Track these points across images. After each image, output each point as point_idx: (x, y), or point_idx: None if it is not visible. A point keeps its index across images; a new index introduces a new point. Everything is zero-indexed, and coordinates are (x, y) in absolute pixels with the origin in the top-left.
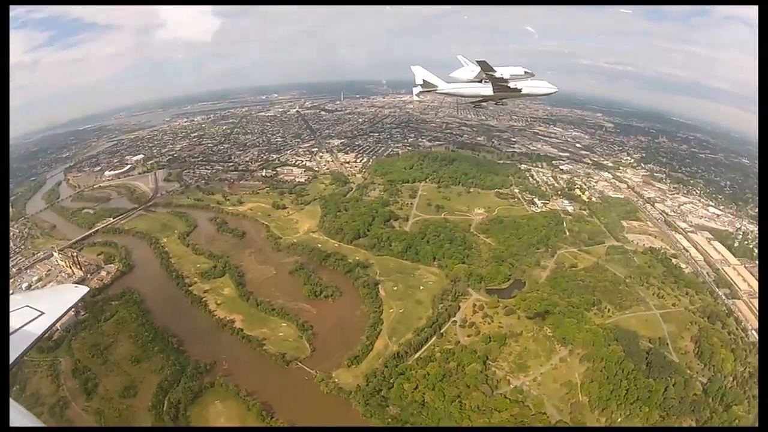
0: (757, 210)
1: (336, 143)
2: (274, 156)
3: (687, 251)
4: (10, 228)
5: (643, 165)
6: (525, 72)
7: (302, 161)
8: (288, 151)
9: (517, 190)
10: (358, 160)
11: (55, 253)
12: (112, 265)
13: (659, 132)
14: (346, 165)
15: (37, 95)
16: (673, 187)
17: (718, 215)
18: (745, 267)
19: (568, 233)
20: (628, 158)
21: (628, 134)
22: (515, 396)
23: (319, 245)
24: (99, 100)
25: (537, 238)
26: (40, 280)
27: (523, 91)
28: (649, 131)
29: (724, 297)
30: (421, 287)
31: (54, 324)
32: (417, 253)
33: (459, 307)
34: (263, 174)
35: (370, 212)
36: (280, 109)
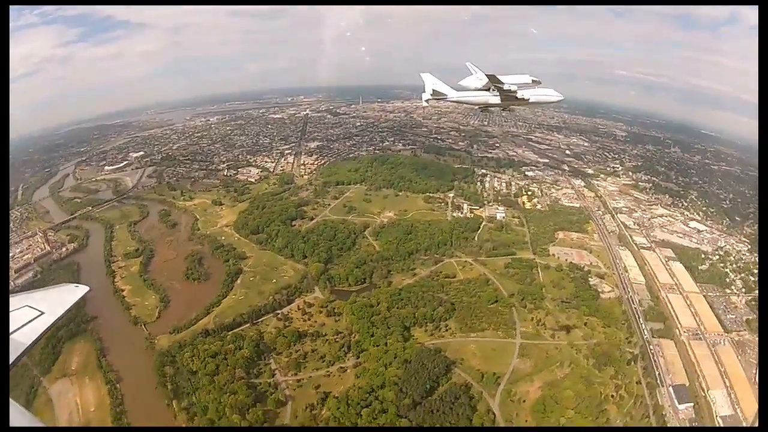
0: (755, 227)
1: (312, 146)
2: (250, 157)
3: (626, 272)
4: (16, 211)
5: (631, 174)
6: (533, 80)
7: (266, 162)
8: (264, 153)
9: (451, 195)
10: (316, 163)
11: (38, 233)
12: (73, 244)
13: (675, 142)
14: (302, 167)
15: (71, 89)
16: (656, 198)
17: (699, 231)
18: (704, 296)
19: (477, 241)
20: (618, 166)
21: (636, 143)
22: (266, 388)
23: (223, 237)
24: (131, 97)
25: (428, 244)
26: (21, 252)
27: (531, 100)
28: (664, 141)
29: (648, 334)
30: (275, 280)
31: (54, 324)
32: (292, 250)
33: (291, 302)
34: (224, 174)
35: (280, 211)
36: (292, 112)
